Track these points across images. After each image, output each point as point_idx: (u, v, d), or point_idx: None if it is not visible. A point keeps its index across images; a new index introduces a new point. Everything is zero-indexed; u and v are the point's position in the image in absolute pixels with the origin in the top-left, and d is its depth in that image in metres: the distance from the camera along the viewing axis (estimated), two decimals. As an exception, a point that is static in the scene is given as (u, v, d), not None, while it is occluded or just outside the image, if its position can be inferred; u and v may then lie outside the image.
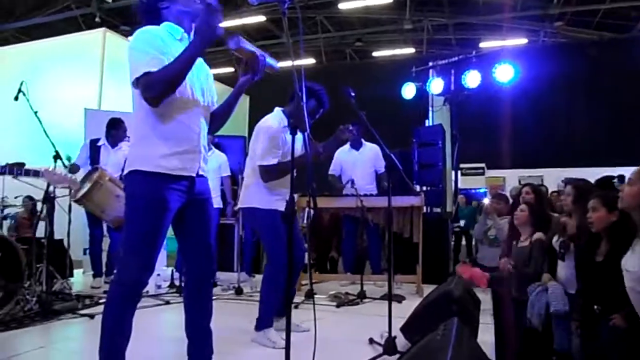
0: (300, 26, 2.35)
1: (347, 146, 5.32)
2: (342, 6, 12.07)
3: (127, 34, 10.78)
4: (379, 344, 2.89)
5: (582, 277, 2.90)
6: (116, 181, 4.75)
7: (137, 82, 1.92)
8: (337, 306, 4.21)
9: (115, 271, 2.06)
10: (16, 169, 4.73)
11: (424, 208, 5.02)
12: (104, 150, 4.97)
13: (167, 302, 4.25)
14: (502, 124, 8.86)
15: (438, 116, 6.80)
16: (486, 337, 3.04)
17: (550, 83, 10.40)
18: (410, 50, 14.57)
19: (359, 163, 5.34)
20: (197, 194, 2.13)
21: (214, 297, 2.29)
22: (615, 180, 3.81)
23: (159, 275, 4.84)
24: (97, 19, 11.35)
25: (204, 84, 2.16)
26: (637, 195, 2.20)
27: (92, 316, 3.63)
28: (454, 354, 1.55)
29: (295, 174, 2.09)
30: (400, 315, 2.99)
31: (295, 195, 2.11)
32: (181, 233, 2.18)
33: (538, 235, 3.59)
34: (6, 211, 4.04)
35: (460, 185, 9.06)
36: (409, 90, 6.85)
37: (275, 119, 3.23)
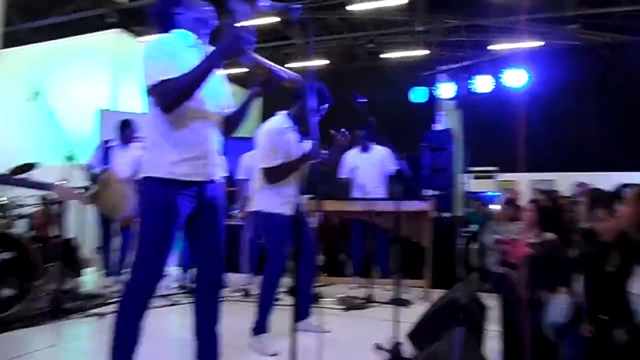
0: (310, 32, 2.35)
1: (355, 149, 5.34)
2: (353, 7, 12.05)
3: (139, 35, 10.89)
4: (386, 350, 2.90)
5: (590, 286, 2.87)
6: (125, 181, 4.83)
7: (153, 90, 1.95)
8: (345, 310, 4.22)
9: (127, 274, 2.09)
10: (24, 178, 4.82)
11: (434, 212, 5.00)
12: (116, 150, 5.04)
13: (174, 304, 4.29)
14: (513, 127, 8.73)
15: (448, 120, 6.78)
16: (494, 344, 3.04)
17: (562, 86, 10.29)
18: (423, 52, 14.50)
19: (368, 166, 5.34)
20: (208, 199, 2.15)
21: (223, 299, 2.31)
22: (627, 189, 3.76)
23: (167, 275, 4.88)
24: (110, 20, 11.45)
25: (217, 88, 2.17)
26: (630, 216, 2.17)
27: (101, 315, 3.68)
28: (458, 365, 1.55)
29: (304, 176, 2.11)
30: (407, 320, 3.00)
31: (305, 197, 2.11)
32: (192, 237, 2.21)
33: (550, 235, 3.51)
34: (20, 210, 4.09)
35: (471, 189, 9.01)
36: (418, 94, 6.84)
37: (275, 121, 3.24)
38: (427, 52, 14.28)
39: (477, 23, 12.75)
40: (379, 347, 3.02)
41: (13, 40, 10.32)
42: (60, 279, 3.98)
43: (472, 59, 6.58)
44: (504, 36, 12.96)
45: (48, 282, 3.97)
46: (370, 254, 5.21)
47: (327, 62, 15.23)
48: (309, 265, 3.42)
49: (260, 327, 3.13)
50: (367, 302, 4.42)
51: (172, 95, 1.91)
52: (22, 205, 4.35)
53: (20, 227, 4.10)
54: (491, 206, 7.43)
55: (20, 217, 4.02)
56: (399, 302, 3.57)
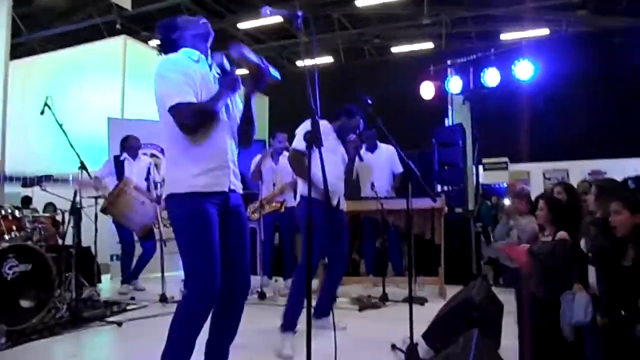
0: (314, 32, 2.37)
1: (362, 149, 5.33)
2: (359, 3, 12.00)
3: (147, 40, 10.96)
4: (401, 350, 2.90)
5: (607, 281, 2.84)
6: (141, 189, 4.90)
7: (171, 110, 2.00)
8: (360, 309, 4.23)
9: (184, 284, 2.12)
10: (44, 178, 4.91)
11: (445, 208, 4.98)
12: (127, 164, 5.18)
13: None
14: (523, 117, 8.69)
15: (458, 114, 6.73)
16: (511, 342, 3.02)
17: (572, 74, 10.16)
18: (429, 45, 14.41)
19: (375, 166, 5.33)
20: (232, 207, 2.18)
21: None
22: (630, 181, 3.71)
23: (183, 280, 4.92)
24: (117, 26, 11.55)
25: (231, 98, 2.22)
26: (628, 222, 2.13)
27: (120, 324, 3.73)
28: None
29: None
30: (423, 319, 2.99)
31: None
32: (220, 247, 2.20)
33: (562, 234, 3.45)
34: (35, 224, 4.16)
35: (482, 181, 8.94)
36: (427, 89, 6.79)
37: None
38: (433, 45, 14.20)
39: (484, 13, 12.63)
40: (394, 347, 3.03)
41: (22, 50, 10.45)
42: (77, 288, 4.04)
43: (479, 52, 6.49)
44: (511, 25, 12.81)
45: (66, 292, 4.04)
46: (382, 252, 5.21)
47: (332, 60, 15.22)
48: (340, 263, 3.57)
49: (285, 325, 3.19)
50: (382, 301, 4.42)
51: (192, 120, 2.01)
52: (37, 218, 4.41)
53: (35, 238, 4.15)
54: (506, 200, 7.37)
55: (35, 229, 4.07)
56: (414, 299, 3.56)
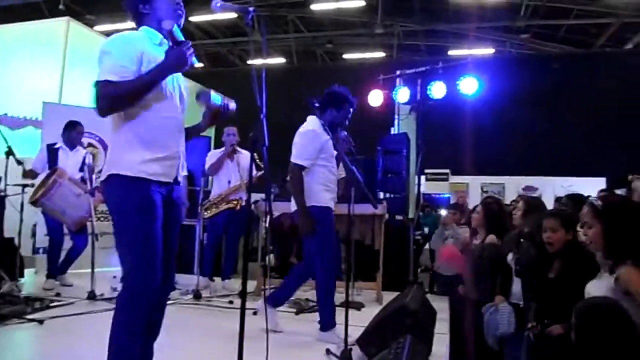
0: (265, 31, 2.36)
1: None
2: (314, 7, 12.06)
3: (92, 24, 10.48)
4: (335, 355, 2.91)
5: (532, 291, 2.97)
6: (76, 181, 4.62)
7: (96, 86, 1.88)
8: (296, 313, 4.20)
9: (121, 279, 1.97)
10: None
11: (386, 215, 5.06)
12: (62, 153, 4.81)
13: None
14: (466, 132, 9.02)
15: (404, 124, 6.88)
16: (442, 348, 3.10)
17: (514, 94, 10.65)
18: (381, 54, 14.70)
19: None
20: (174, 200, 2.12)
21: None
22: (564, 198, 3.94)
23: (115, 277, 4.70)
24: (61, 6, 10.97)
25: (181, 91, 2.16)
26: (600, 235, 2.23)
27: (41, 321, 3.49)
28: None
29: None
30: (359, 324, 3.03)
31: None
32: None
33: (491, 237, 3.67)
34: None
35: (424, 190, 9.18)
36: (376, 97, 6.90)
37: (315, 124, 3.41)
38: (384, 54, 14.50)
39: (433, 28, 13.05)
40: (329, 352, 3.03)
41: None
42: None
43: (428, 64, 6.68)
44: (459, 42, 13.31)
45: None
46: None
47: (284, 60, 15.20)
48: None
49: (327, 324, 3.32)
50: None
51: (109, 102, 1.88)
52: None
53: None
54: (442, 211, 7.60)
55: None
56: (351, 304, 3.58)
